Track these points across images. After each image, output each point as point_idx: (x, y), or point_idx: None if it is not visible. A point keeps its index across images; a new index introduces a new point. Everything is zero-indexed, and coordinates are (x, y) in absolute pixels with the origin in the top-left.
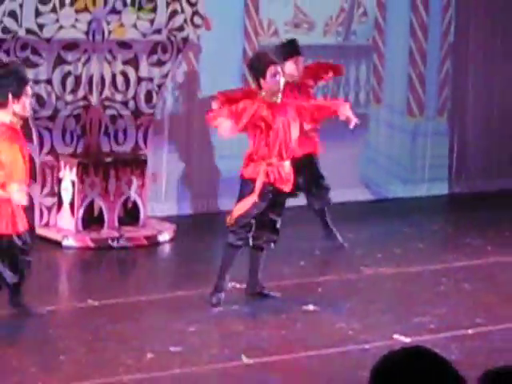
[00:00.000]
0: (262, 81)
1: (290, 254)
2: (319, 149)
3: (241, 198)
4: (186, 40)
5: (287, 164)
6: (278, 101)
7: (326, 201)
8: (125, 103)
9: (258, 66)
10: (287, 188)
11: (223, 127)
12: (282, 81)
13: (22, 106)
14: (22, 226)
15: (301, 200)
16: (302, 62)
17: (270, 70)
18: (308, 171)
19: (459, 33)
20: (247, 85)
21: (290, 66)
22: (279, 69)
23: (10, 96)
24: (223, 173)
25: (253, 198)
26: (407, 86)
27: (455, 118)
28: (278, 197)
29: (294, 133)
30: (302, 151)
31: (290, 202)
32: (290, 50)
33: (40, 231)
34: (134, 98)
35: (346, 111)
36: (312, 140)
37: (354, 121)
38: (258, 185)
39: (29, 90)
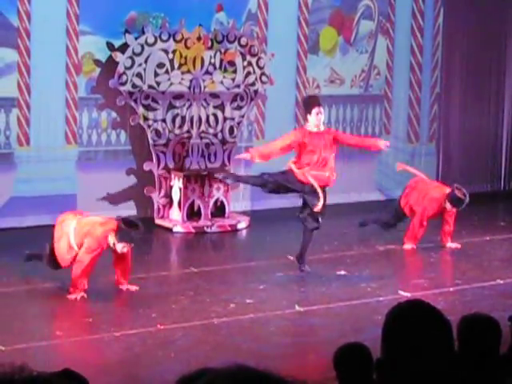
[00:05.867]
0: (308, 116)
1: (329, 237)
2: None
3: None
4: (256, 92)
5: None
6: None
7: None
8: (215, 135)
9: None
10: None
11: None
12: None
13: (121, 247)
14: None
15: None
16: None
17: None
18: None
19: (443, 86)
20: (299, 122)
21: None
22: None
23: (118, 240)
24: None
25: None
26: (407, 122)
27: (440, 144)
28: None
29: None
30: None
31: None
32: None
33: (157, 221)
34: (222, 131)
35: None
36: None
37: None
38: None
39: (127, 246)
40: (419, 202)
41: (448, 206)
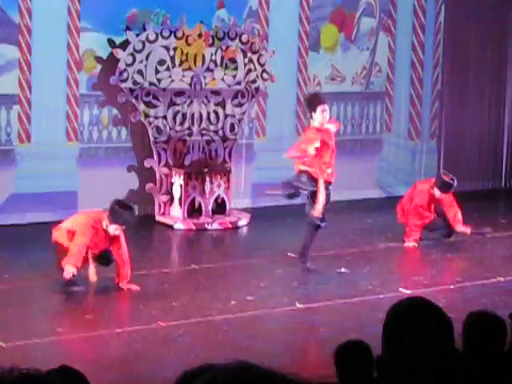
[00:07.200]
0: (313, 113)
1: (330, 234)
2: None
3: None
4: (257, 89)
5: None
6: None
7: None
8: (216, 132)
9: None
10: None
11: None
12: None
13: (114, 229)
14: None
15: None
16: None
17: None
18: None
19: (444, 84)
20: (300, 119)
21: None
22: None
23: (110, 221)
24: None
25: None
26: (409, 119)
27: (441, 142)
28: None
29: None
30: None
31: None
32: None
33: (158, 218)
34: (222, 128)
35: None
36: None
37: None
38: None
39: (121, 227)
40: (408, 199)
41: (436, 192)
